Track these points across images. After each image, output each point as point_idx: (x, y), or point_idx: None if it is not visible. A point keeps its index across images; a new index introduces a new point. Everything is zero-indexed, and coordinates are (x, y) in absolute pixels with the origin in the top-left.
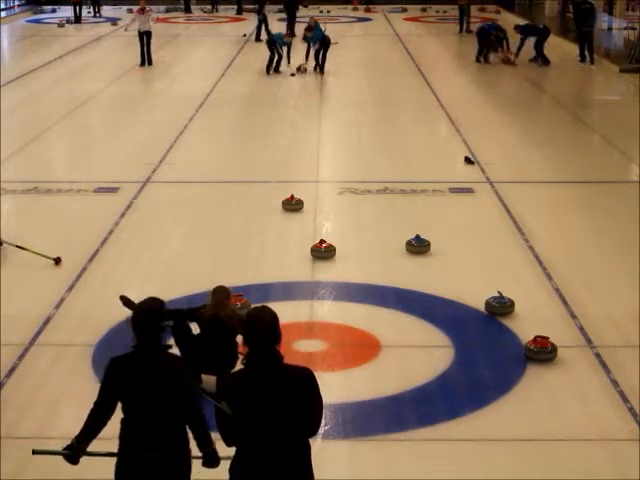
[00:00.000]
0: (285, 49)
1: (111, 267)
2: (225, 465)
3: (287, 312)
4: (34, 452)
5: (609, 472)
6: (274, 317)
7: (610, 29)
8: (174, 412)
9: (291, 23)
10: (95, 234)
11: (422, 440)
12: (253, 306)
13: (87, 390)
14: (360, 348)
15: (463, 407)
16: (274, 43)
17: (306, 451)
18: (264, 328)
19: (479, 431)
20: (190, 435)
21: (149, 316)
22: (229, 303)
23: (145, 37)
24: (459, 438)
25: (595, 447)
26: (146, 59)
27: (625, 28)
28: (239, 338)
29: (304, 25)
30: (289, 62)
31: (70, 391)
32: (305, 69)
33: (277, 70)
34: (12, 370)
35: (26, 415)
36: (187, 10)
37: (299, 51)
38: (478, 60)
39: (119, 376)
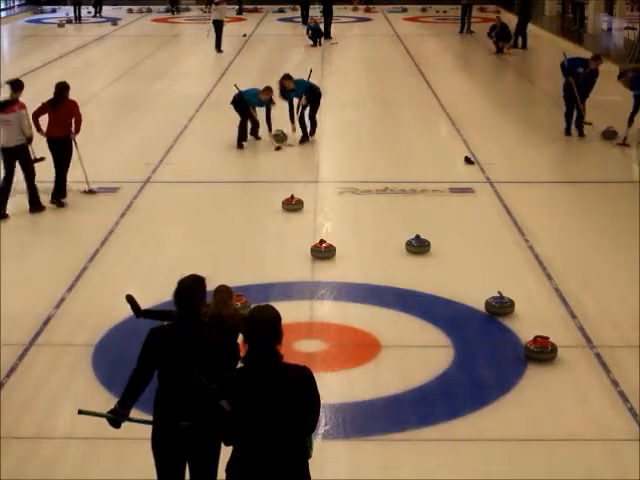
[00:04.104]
0: (264, 112)
1: (111, 267)
2: (222, 465)
3: (287, 312)
4: (80, 412)
5: (609, 472)
6: (275, 316)
7: (610, 29)
8: (208, 381)
9: (328, 24)
10: (95, 234)
11: (422, 440)
12: (255, 305)
13: (87, 390)
14: (360, 348)
15: (463, 407)
16: (245, 105)
17: (303, 450)
18: (264, 327)
19: (479, 431)
20: None
21: (190, 289)
22: (231, 302)
23: (219, 25)
24: (459, 438)
25: (595, 447)
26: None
27: (625, 28)
28: (240, 338)
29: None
30: (270, 129)
31: (70, 391)
32: (285, 135)
33: (254, 134)
34: (12, 370)
35: (26, 415)
36: (174, 12)
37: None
38: (568, 132)
39: (157, 346)
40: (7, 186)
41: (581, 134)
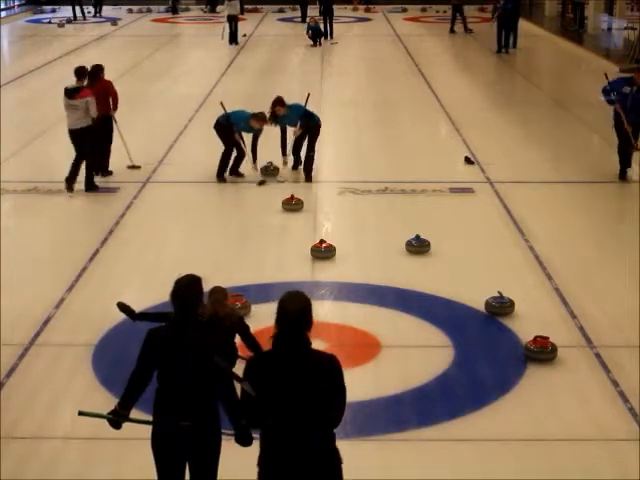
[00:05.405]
0: (250, 140)
1: (111, 267)
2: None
3: None
4: (80, 413)
5: (609, 472)
6: (306, 303)
7: (610, 29)
8: (206, 383)
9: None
10: (95, 234)
11: (422, 440)
12: (287, 290)
13: (87, 390)
14: (360, 348)
15: (463, 407)
16: (231, 129)
17: (331, 437)
18: (294, 313)
19: (479, 431)
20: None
21: (187, 289)
22: (227, 302)
23: (233, 20)
24: (459, 438)
25: (595, 447)
26: (234, 38)
27: (625, 28)
28: (238, 338)
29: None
30: (255, 159)
31: (70, 391)
32: (276, 168)
33: (236, 172)
34: (12, 370)
35: (26, 415)
36: (174, 11)
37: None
38: (624, 176)
39: (156, 346)
40: (76, 165)
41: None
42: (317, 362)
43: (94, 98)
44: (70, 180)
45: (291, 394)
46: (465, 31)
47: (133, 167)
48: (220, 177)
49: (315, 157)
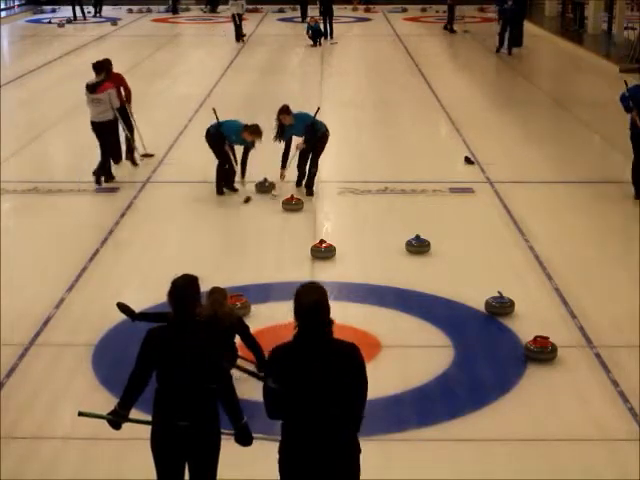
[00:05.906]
0: (241, 152)
1: (111, 267)
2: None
3: (287, 312)
4: (80, 414)
5: (609, 472)
6: (321, 294)
7: (610, 29)
8: (205, 383)
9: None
10: (95, 234)
11: (422, 440)
12: (302, 283)
13: (87, 390)
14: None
15: (463, 407)
16: (223, 141)
17: (353, 431)
18: (309, 305)
19: (479, 431)
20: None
21: (183, 289)
22: (226, 302)
23: (237, 17)
24: (459, 438)
25: (595, 447)
26: (238, 36)
27: (625, 28)
28: (237, 338)
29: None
30: (243, 174)
31: (70, 391)
32: (271, 185)
33: (231, 187)
34: (12, 370)
35: (26, 415)
36: (174, 11)
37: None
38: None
39: (154, 346)
40: (105, 157)
41: None
42: (338, 352)
43: (115, 90)
44: (102, 171)
45: (313, 385)
46: (444, 28)
47: (146, 155)
48: (220, 192)
49: (318, 173)
